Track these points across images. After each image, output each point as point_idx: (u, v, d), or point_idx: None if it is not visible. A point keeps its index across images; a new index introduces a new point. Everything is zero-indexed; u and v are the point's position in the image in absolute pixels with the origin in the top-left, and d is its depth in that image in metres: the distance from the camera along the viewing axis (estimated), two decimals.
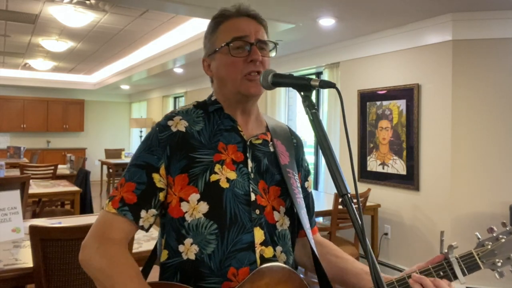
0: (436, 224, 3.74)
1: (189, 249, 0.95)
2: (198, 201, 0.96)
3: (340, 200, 0.82)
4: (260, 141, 1.06)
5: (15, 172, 5.39)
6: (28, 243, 2.19)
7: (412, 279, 0.92)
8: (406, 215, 4.03)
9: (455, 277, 0.95)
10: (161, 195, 0.98)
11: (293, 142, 1.16)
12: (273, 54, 1.06)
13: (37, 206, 4.68)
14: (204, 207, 0.96)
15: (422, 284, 0.91)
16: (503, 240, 0.97)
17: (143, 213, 0.95)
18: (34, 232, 1.82)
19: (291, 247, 1.05)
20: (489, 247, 0.97)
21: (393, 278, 0.95)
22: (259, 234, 0.97)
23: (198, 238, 0.95)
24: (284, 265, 0.95)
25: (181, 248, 0.96)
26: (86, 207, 4.67)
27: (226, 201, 0.96)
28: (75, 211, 4.35)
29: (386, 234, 4.22)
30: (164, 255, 0.99)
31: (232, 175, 0.99)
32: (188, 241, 0.95)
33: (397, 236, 4.12)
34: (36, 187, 4.46)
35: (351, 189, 0.81)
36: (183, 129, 1.00)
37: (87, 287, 1.92)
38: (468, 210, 3.58)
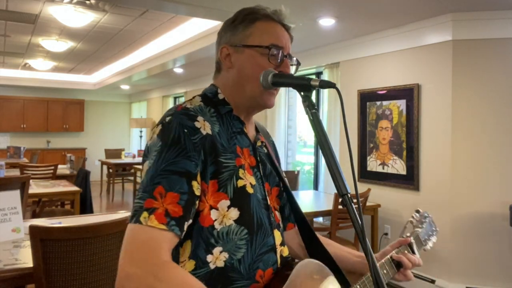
0: (436, 224, 3.73)
1: (218, 258, 0.91)
2: (228, 207, 0.93)
3: (340, 200, 0.82)
4: (260, 144, 1.08)
5: (15, 172, 5.39)
6: (28, 243, 2.19)
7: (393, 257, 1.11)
8: (406, 215, 4.03)
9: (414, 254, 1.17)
10: (197, 203, 0.91)
11: (271, 140, 1.20)
12: (292, 71, 1.04)
13: (37, 206, 4.68)
14: (235, 213, 0.93)
15: (400, 261, 1.10)
16: (424, 225, 1.31)
17: (185, 225, 0.87)
18: (34, 232, 1.82)
19: None
20: (421, 230, 1.28)
21: (382, 260, 1.09)
22: (278, 236, 1.01)
23: (228, 245, 0.92)
24: (316, 261, 0.95)
25: (209, 258, 0.91)
26: (86, 207, 4.67)
27: (253, 206, 0.97)
28: (75, 211, 4.34)
29: (386, 234, 4.22)
30: (190, 265, 0.91)
31: (253, 180, 0.99)
32: (218, 249, 0.91)
33: (397, 236, 4.11)
34: (36, 187, 4.46)
35: (351, 189, 0.82)
36: (210, 132, 0.94)
37: (88, 287, 1.92)
38: (468, 210, 3.58)
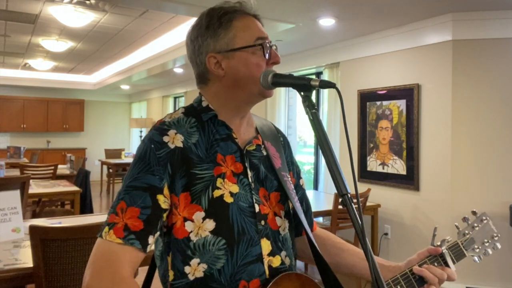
0: (436, 224, 3.73)
1: (196, 269, 0.91)
2: (203, 219, 0.91)
3: (340, 200, 0.82)
4: (254, 147, 1.03)
5: (15, 172, 5.39)
6: (28, 243, 2.19)
7: (413, 271, 1.02)
8: (406, 215, 4.03)
9: (447, 266, 1.06)
10: (165, 216, 0.92)
11: (280, 141, 1.14)
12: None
13: (37, 206, 4.68)
14: (210, 224, 0.92)
15: (423, 276, 1.00)
16: (477, 228, 1.12)
17: (150, 238, 0.88)
18: (34, 232, 1.82)
19: (292, 249, 1.04)
20: (468, 236, 1.11)
21: (397, 273, 1.01)
22: (266, 245, 0.96)
23: (205, 257, 0.91)
24: (298, 273, 0.95)
25: (187, 269, 0.91)
26: (86, 207, 4.67)
27: (233, 216, 0.93)
28: (75, 211, 4.35)
29: (386, 234, 4.22)
30: (171, 275, 0.94)
31: (235, 189, 0.95)
32: (195, 261, 0.91)
33: (397, 236, 4.12)
34: (36, 187, 4.46)
35: (351, 189, 0.81)
36: (181, 145, 0.94)
37: None
38: (468, 210, 3.57)
